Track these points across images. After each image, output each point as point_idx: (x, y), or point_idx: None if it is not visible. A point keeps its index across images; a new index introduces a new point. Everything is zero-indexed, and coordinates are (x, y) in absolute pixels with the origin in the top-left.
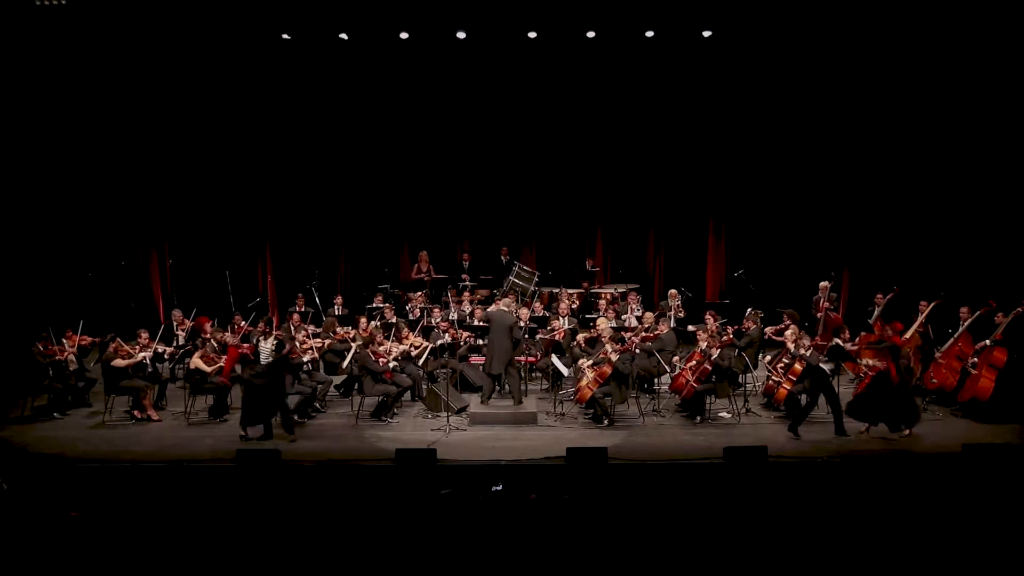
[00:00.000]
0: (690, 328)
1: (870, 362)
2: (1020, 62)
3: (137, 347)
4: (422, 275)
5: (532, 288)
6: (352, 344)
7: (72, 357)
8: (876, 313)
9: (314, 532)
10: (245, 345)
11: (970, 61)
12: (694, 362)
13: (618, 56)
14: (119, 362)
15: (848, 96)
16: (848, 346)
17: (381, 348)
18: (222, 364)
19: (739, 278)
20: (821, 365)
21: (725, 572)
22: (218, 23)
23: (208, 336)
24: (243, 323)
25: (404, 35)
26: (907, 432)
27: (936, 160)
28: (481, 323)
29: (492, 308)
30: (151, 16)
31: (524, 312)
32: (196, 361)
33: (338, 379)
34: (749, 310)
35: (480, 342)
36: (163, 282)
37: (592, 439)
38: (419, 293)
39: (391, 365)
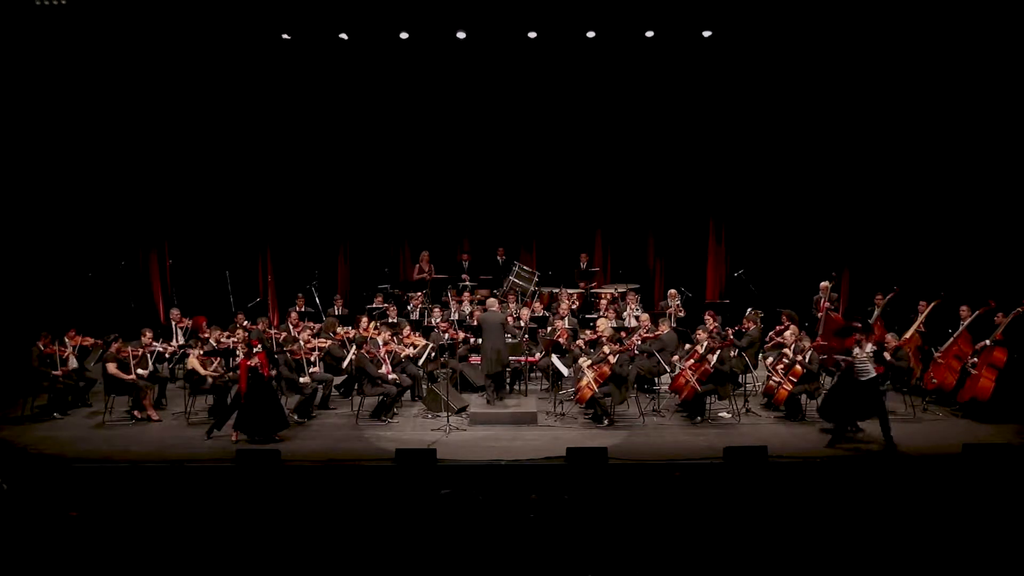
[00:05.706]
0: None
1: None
2: (1020, 62)
3: (140, 349)
4: (423, 275)
5: (532, 288)
6: (352, 346)
7: (72, 357)
8: (876, 313)
9: (314, 532)
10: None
11: (970, 61)
12: (692, 362)
13: (618, 56)
14: (112, 368)
15: (847, 97)
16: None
17: (384, 348)
18: (219, 366)
19: (739, 278)
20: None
21: (725, 572)
22: (218, 23)
23: (207, 335)
24: (246, 322)
25: (404, 35)
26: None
27: (935, 160)
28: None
29: (484, 312)
30: (151, 16)
31: (524, 312)
32: (192, 362)
33: (338, 379)
34: (749, 310)
35: (479, 341)
36: (163, 282)
37: (592, 439)
38: (419, 293)
39: (390, 377)
